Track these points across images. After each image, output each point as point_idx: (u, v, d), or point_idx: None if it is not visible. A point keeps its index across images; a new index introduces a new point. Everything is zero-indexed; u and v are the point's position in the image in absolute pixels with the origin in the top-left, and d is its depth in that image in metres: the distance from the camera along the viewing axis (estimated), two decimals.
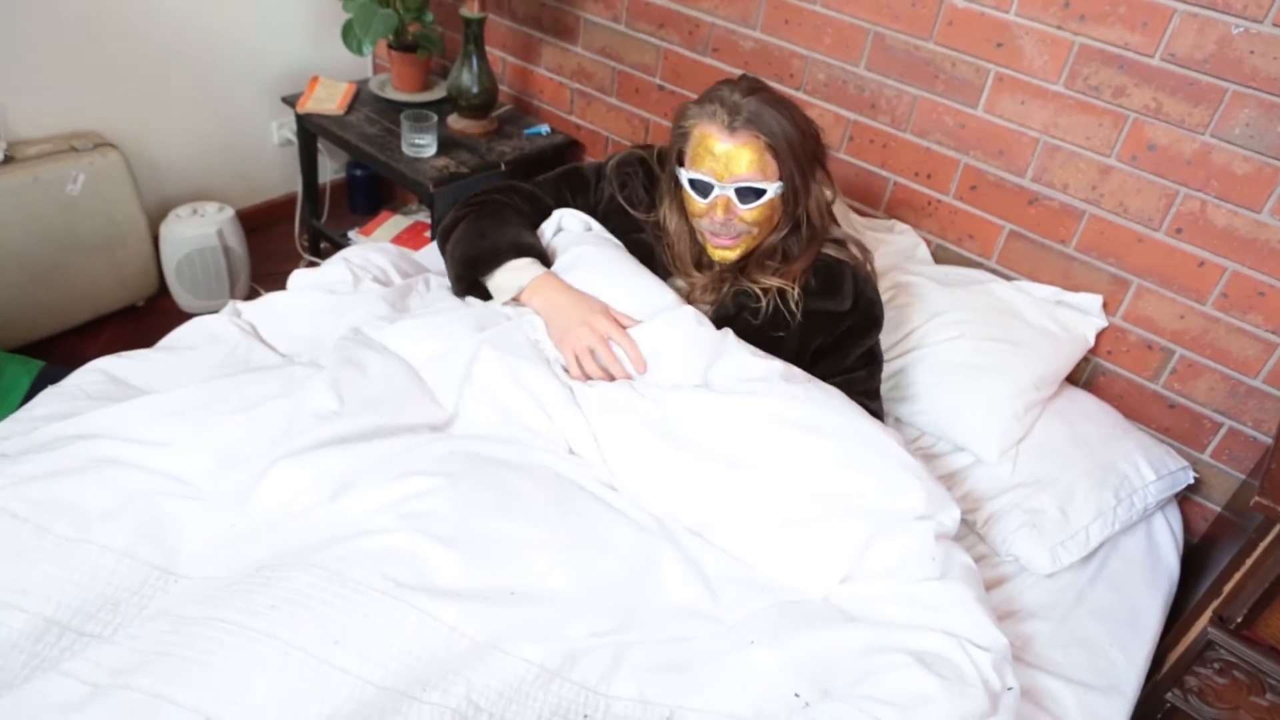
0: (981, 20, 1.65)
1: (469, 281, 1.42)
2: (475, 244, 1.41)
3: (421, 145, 2.16)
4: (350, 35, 2.27)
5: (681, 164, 1.34)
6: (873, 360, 1.46)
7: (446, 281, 1.52)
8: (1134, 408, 1.74)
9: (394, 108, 2.36)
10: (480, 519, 1.08)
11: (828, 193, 1.40)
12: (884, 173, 1.90)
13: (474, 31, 2.18)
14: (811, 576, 1.14)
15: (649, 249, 1.46)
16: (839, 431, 1.21)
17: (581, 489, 1.16)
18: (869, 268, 1.44)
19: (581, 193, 1.54)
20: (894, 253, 1.79)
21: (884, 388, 1.59)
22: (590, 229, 1.50)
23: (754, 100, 1.25)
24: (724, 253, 1.36)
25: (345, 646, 0.91)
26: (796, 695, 1.03)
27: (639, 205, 1.47)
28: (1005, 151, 1.72)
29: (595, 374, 1.30)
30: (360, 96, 2.42)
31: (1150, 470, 1.55)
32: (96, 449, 1.09)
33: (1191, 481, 1.63)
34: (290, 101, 2.38)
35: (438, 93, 2.44)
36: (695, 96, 1.33)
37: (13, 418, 1.21)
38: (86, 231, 2.17)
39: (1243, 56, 1.42)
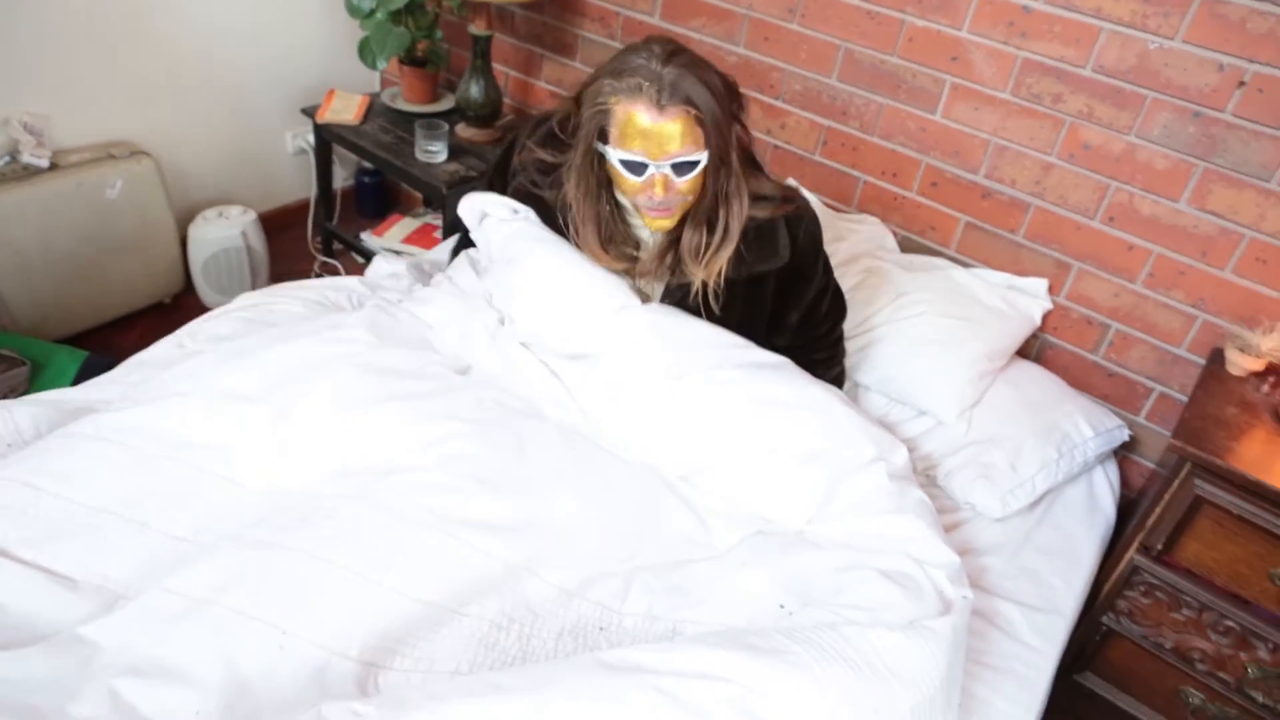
0: (938, 37, 1.88)
1: None
2: None
3: (434, 152, 2.35)
4: (366, 52, 2.47)
5: (604, 141, 1.31)
6: (824, 292, 1.53)
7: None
8: (1078, 377, 1.96)
9: (405, 118, 2.56)
10: (507, 461, 1.26)
11: (750, 181, 1.39)
12: (855, 173, 2.12)
13: (481, 48, 2.39)
14: (787, 511, 1.32)
15: (558, 225, 1.47)
16: (794, 401, 1.38)
17: (583, 437, 1.35)
18: (797, 204, 1.44)
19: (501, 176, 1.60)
20: (864, 242, 2.00)
21: (853, 360, 1.81)
22: (517, 212, 1.52)
23: (676, 69, 1.22)
24: (663, 222, 1.36)
25: (395, 570, 1.08)
26: (781, 606, 1.21)
27: (547, 173, 1.46)
28: (960, 152, 1.94)
29: None
30: (373, 108, 2.61)
31: (1089, 428, 1.77)
32: (170, 386, 1.30)
33: (1126, 439, 1.85)
34: (310, 113, 2.57)
35: (445, 103, 2.64)
36: (608, 61, 1.29)
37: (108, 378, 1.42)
38: (122, 233, 2.34)
39: (1159, 68, 1.65)
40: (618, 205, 1.43)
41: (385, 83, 2.96)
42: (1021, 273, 1.96)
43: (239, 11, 2.52)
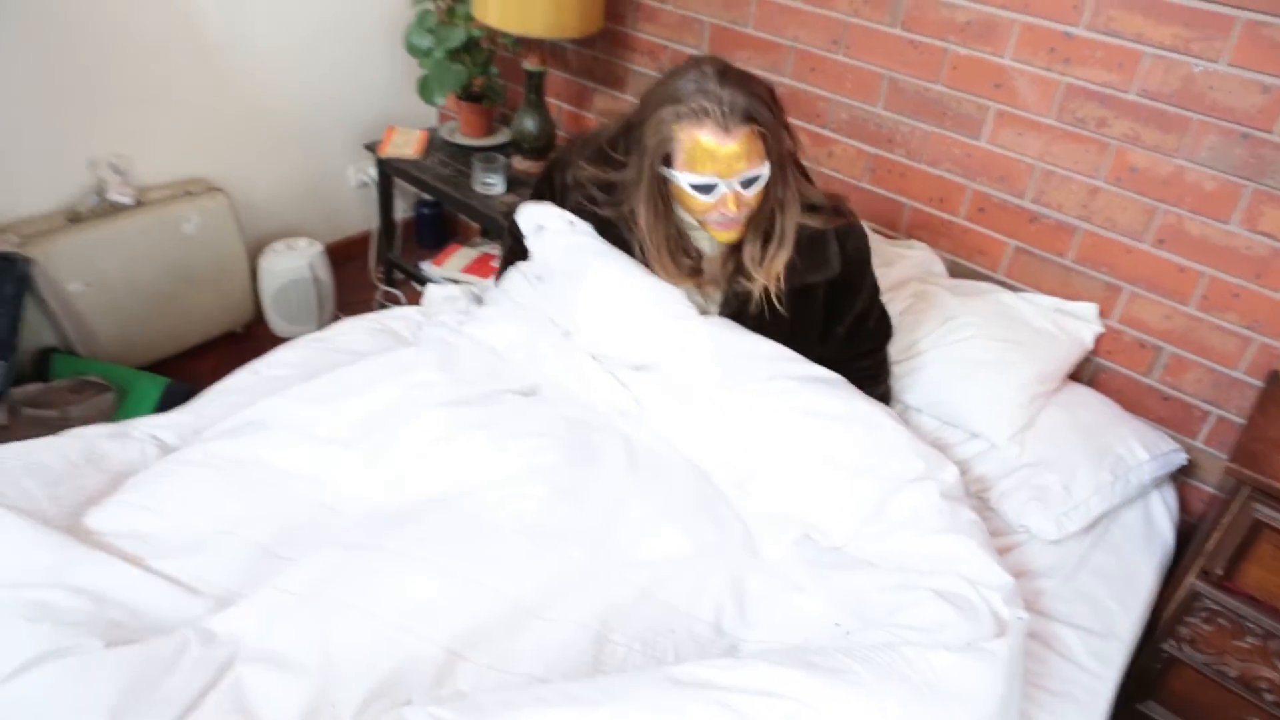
0: (981, 64, 1.91)
1: None
2: None
3: (491, 184, 2.44)
4: (425, 89, 2.58)
5: (669, 165, 1.36)
6: (872, 303, 1.60)
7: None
8: (1133, 401, 1.95)
9: (463, 151, 2.65)
10: (583, 472, 1.31)
11: (803, 189, 1.47)
12: (902, 199, 2.15)
13: (535, 83, 2.48)
14: (834, 521, 1.34)
15: (620, 239, 1.52)
16: (844, 414, 1.41)
17: (648, 447, 1.40)
18: (847, 218, 1.52)
19: (548, 194, 1.65)
20: (913, 267, 2.02)
21: (904, 382, 1.83)
22: (573, 224, 1.58)
23: (731, 89, 1.28)
24: (730, 235, 1.42)
25: (480, 566, 1.15)
26: (837, 625, 1.24)
27: (607, 190, 1.51)
28: (1006, 177, 1.96)
29: None
30: (432, 142, 2.71)
31: (1144, 451, 1.76)
32: (260, 418, 1.38)
33: (1184, 463, 1.84)
34: (372, 148, 2.68)
35: (500, 137, 2.74)
36: (658, 85, 1.37)
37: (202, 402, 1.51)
38: (198, 265, 2.47)
39: (1204, 91, 1.66)
40: (679, 218, 1.49)
41: (443, 118, 3.07)
42: (1072, 296, 1.96)
43: (305, 53, 2.65)
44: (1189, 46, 1.65)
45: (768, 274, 1.44)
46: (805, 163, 1.55)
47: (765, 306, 1.47)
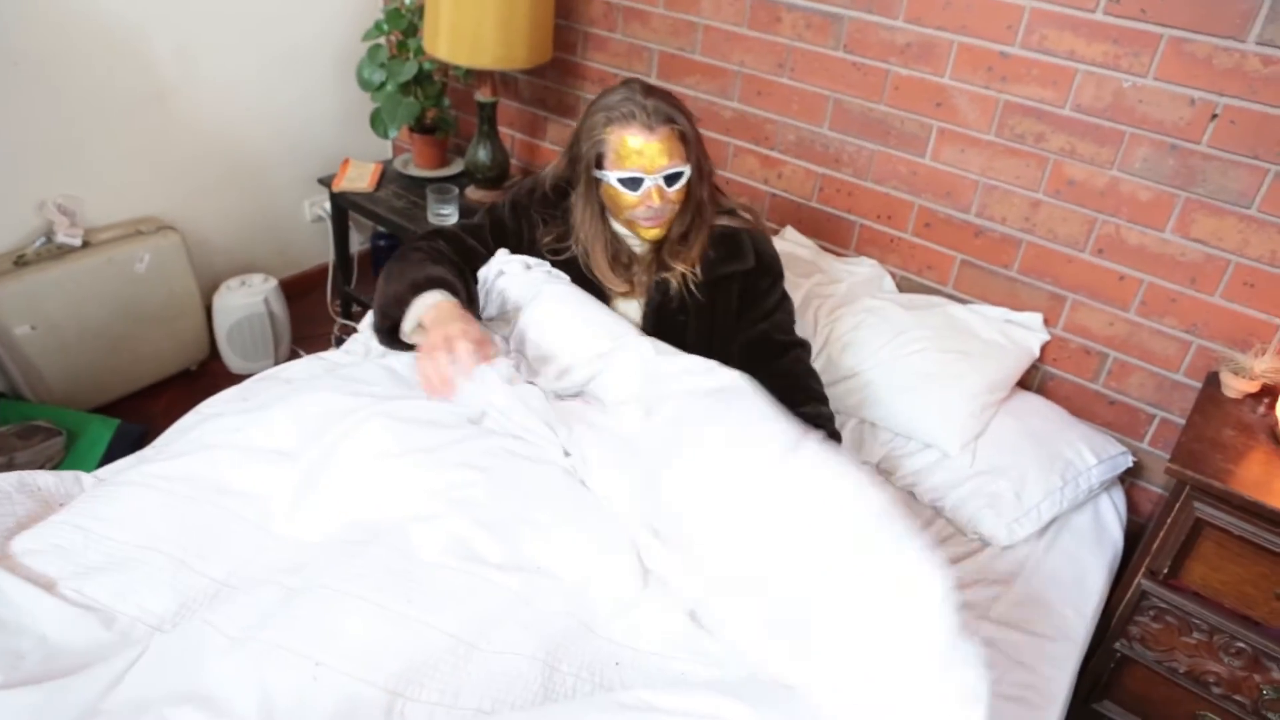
0: (922, 84, 1.96)
1: (392, 322, 1.48)
2: (393, 285, 1.49)
3: (445, 215, 2.45)
4: (378, 122, 2.59)
5: (601, 167, 1.49)
6: (785, 299, 1.67)
7: None
8: (1080, 406, 2.00)
9: (417, 183, 2.66)
10: (511, 506, 1.29)
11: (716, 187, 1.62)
12: (851, 217, 2.19)
13: (487, 114, 2.50)
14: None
15: (583, 276, 1.59)
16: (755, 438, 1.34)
17: (578, 484, 1.37)
18: (761, 227, 1.65)
19: (504, 237, 1.64)
20: (862, 283, 2.06)
21: (858, 396, 1.86)
22: (530, 268, 1.60)
23: (655, 99, 1.45)
24: (654, 231, 1.53)
25: (416, 603, 1.13)
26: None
27: (563, 239, 1.59)
28: (951, 193, 2.01)
29: (430, 375, 1.35)
30: (386, 175, 2.72)
31: (1092, 455, 1.80)
32: (203, 439, 1.38)
33: (1130, 465, 1.88)
34: (326, 182, 2.68)
35: (455, 168, 2.75)
36: (592, 103, 1.51)
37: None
38: (150, 304, 2.44)
39: (1134, 105, 1.72)
40: (613, 229, 1.60)
41: (397, 150, 3.08)
42: (1018, 307, 2.01)
43: (256, 89, 2.65)
44: (1118, 62, 1.71)
45: (686, 260, 1.57)
46: (756, 184, 1.60)
47: (686, 295, 1.58)
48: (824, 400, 1.62)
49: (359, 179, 2.65)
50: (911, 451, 1.83)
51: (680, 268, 1.57)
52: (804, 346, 1.67)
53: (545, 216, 1.62)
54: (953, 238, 2.05)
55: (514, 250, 1.64)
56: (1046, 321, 1.98)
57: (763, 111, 2.23)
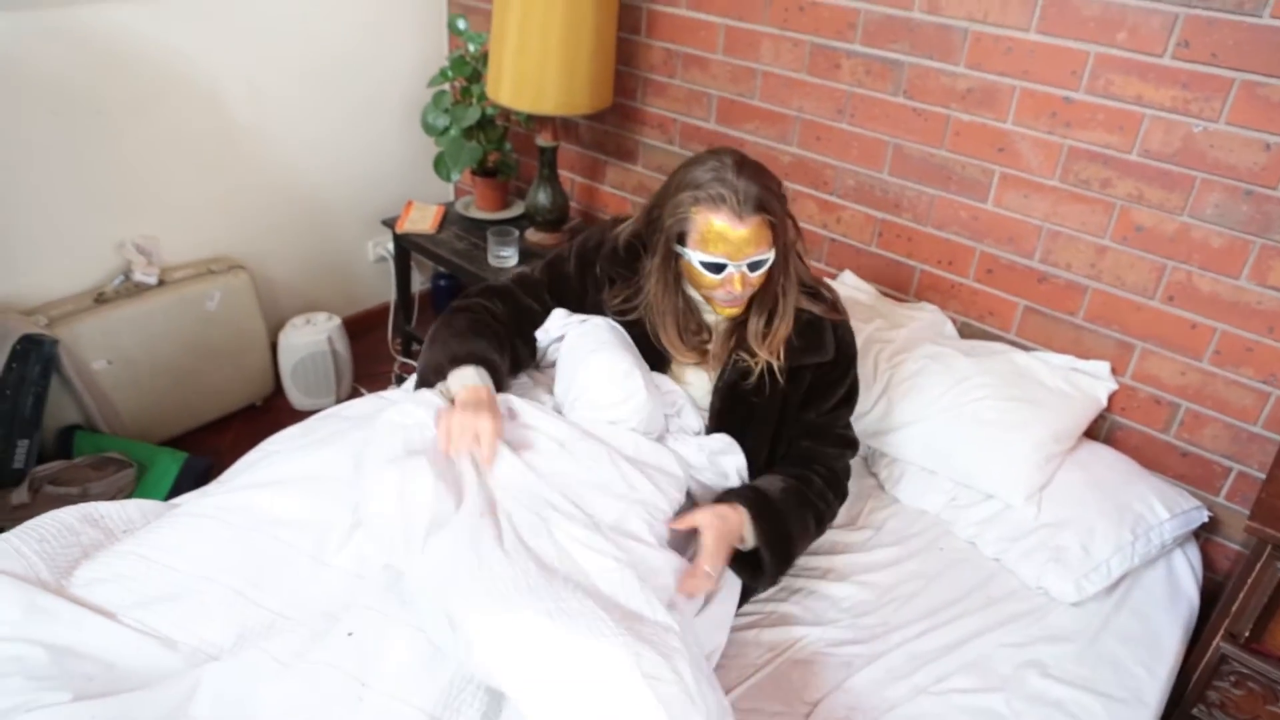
0: (983, 130, 1.94)
1: (429, 385, 1.48)
2: (435, 353, 1.49)
3: (505, 256, 2.49)
4: (441, 166, 2.65)
5: (683, 244, 1.43)
6: (851, 397, 1.63)
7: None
8: (1150, 458, 1.93)
9: (478, 225, 2.71)
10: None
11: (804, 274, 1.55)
12: (911, 262, 2.17)
13: (548, 158, 2.54)
14: None
15: (647, 339, 1.54)
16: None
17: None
18: (841, 311, 1.59)
19: (565, 294, 1.62)
20: (923, 329, 2.03)
21: (919, 445, 1.83)
22: (584, 320, 1.56)
23: (747, 180, 1.37)
24: (734, 310, 1.49)
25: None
26: None
27: (631, 300, 1.55)
28: (1014, 238, 1.98)
29: (449, 438, 1.33)
30: (448, 217, 2.78)
31: (1164, 510, 1.73)
32: (262, 475, 1.42)
33: (1206, 520, 1.81)
34: (389, 224, 2.74)
35: (515, 210, 2.80)
36: (678, 171, 1.44)
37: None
38: (219, 341, 2.52)
39: (1205, 150, 1.68)
40: (689, 296, 1.55)
41: (459, 192, 3.14)
42: (1084, 354, 1.96)
43: (323, 134, 2.74)
44: (1188, 107, 1.68)
45: (770, 348, 1.51)
46: (814, 228, 1.58)
47: (766, 380, 1.52)
48: (820, 515, 1.55)
49: (421, 221, 2.71)
50: (973, 502, 1.79)
51: (764, 355, 1.50)
52: (853, 446, 1.64)
53: (614, 275, 1.57)
54: (1016, 284, 2.02)
55: (574, 308, 1.60)
56: (1114, 370, 1.93)
57: (822, 156, 2.24)
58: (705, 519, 1.39)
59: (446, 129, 2.65)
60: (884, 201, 2.16)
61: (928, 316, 2.09)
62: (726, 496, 1.48)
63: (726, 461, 1.54)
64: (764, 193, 1.38)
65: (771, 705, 1.32)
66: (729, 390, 1.54)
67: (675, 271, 1.50)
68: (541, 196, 2.58)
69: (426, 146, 2.86)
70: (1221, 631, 1.54)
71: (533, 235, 2.64)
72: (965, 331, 2.12)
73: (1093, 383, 1.92)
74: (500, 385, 1.47)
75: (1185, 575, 1.74)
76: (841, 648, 1.44)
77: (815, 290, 1.57)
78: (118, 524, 1.40)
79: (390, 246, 2.89)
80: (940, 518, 1.80)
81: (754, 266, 1.42)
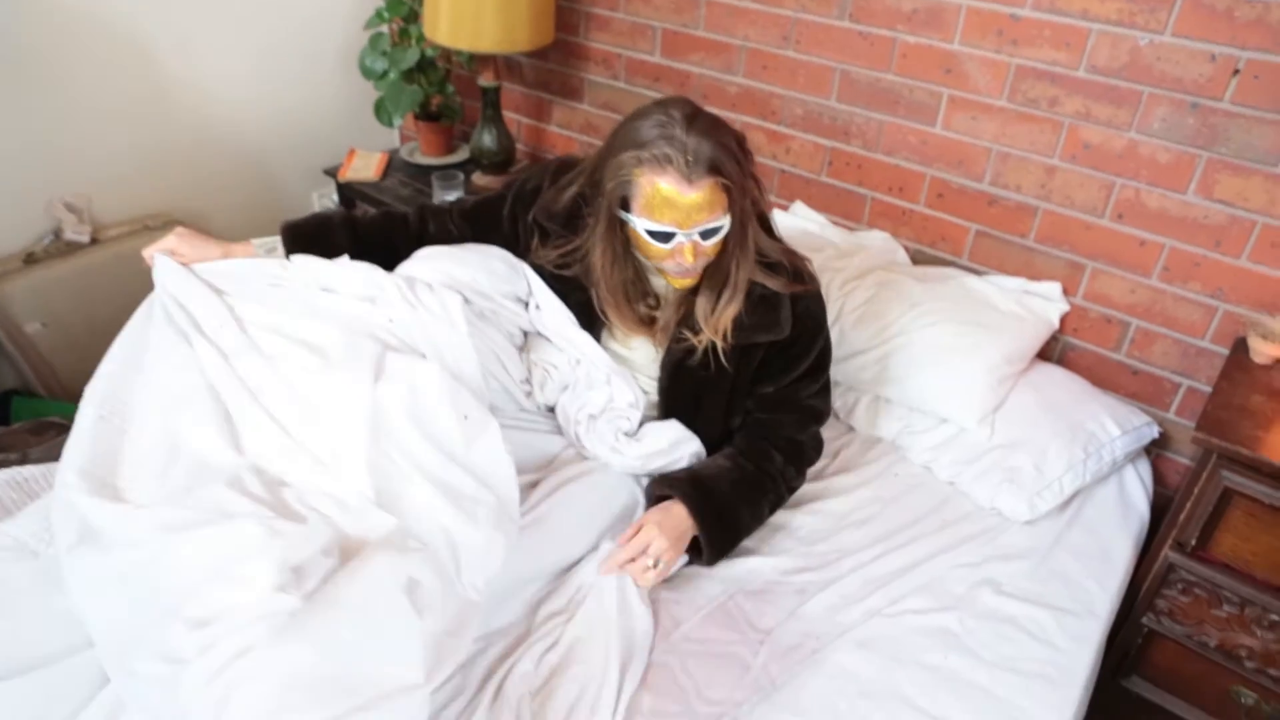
0: (930, 51, 1.91)
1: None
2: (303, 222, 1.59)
3: (450, 201, 2.42)
4: (382, 111, 2.57)
5: (626, 209, 1.30)
6: (817, 370, 1.51)
7: None
8: (1102, 377, 1.94)
9: (423, 171, 2.64)
10: None
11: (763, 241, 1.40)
12: (862, 190, 2.14)
13: (491, 99, 2.47)
14: None
15: (588, 304, 1.46)
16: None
17: None
18: (806, 284, 1.45)
19: (489, 234, 1.54)
20: (874, 257, 2.01)
21: (872, 371, 1.82)
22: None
23: (698, 137, 1.21)
24: (686, 281, 1.37)
25: None
26: None
27: (570, 256, 1.44)
28: (963, 162, 1.96)
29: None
30: (392, 163, 2.70)
31: (1116, 427, 1.75)
32: None
33: (1156, 435, 1.82)
34: (332, 173, 2.67)
35: (461, 154, 2.73)
36: (622, 126, 1.30)
37: None
38: None
39: (1151, 64, 1.66)
40: (638, 262, 1.43)
41: (404, 138, 3.06)
42: (1035, 277, 1.95)
43: (258, 83, 2.63)
44: (1133, 19, 1.65)
45: (714, 327, 1.38)
46: (764, 160, 1.51)
47: (711, 360, 1.42)
48: (785, 491, 1.51)
49: (365, 169, 2.64)
50: (927, 428, 1.79)
51: (708, 334, 1.39)
52: (819, 417, 1.55)
53: (548, 229, 1.46)
54: (966, 208, 2.00)
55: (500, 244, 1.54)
56: (1065, 291, 1.93)
57: (768, 86, 2.19)
58: (651, 516, 1.38)
59: (385, 73, 2.56)
60: (833, 129, 2.12)
61: (879, 244, 2.07)
62: (665, 485, 1.43)
63: (683, 450, 1.50)
64: (718, 151, 1.22)
65: (724, 635, 1.32)
66: (675, 368, 1.47)
67: (623, 239, 1.36)
68: (486, 139, 2.51)
69: (367, 92, 2.76)
70: (1170, 541, 1.56)
71: (479, 179, 2.58)
72: (917, 258, 2.10)
73: (1044, 304, 1.91)
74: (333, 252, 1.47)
75: (1136, 490, 1.76)
76: (795, 575, 1.44)
77: (776, 262, 1.41)
78: (43, 487, 1.36)
79: (335, 197, 2.82)
80: (895, 444, 1.80)
81: (707, 235, 1.27)
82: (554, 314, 1.49)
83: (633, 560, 1.34)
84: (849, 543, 1.52)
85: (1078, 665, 1.35)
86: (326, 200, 2.93)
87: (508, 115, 2.74)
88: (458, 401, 1.25)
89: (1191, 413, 1.87)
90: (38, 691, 1.04)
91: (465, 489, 1.19)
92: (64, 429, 2.04)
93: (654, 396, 1.55)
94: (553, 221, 1.45)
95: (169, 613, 0.98)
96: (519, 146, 2.76)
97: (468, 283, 1.43)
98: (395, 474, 1.18)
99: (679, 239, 1.27)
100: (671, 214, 1.24)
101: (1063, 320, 1.94)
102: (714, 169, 1.22)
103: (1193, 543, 1.52)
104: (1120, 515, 1.69)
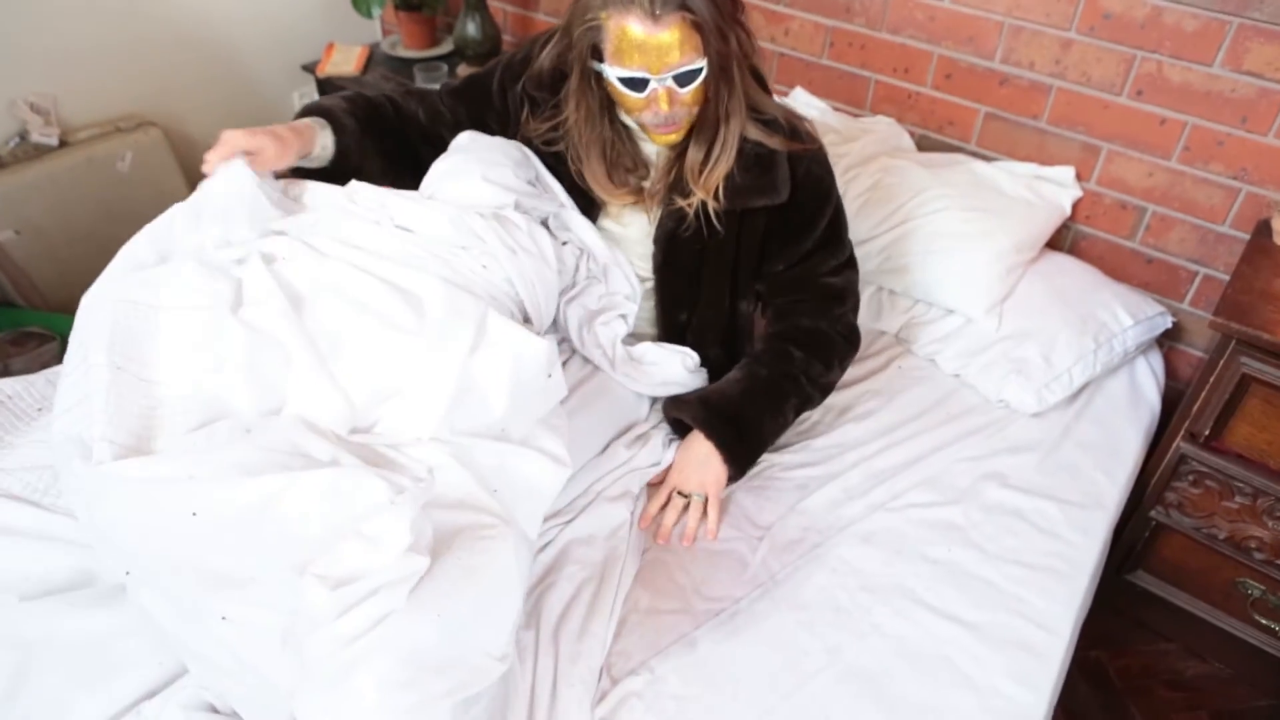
0: None
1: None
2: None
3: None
4: (360, 1, 2.43)
5: (599, 59, 1.22)
6: (831, 241, 1.41)
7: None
8: (1115, 266, 1.86)
9: (406, 64, 2.52)
10: None
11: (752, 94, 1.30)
12: (865, 73, 2.03)
13: None
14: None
15: (573, 178, 1.39)
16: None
17: None
18: (805, 142, 1.34)
19: (481, 111, 1.47)
20: (879, 143, 1.91)
21: (875, 261, 1.75)
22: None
23: None
24: (670, 137, 1.28)
25: None
26: None
27: (557, 129, 1.37)
28: (973, 38, 1.84)
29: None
30: (374, 58, 2.57)
31: (1128, 316, 1.68)
32: None
33: (1170, 325, 1.76)
34: (310, 68, 2.54)
35: (445, 47, 2.60)
36: None
37: None
38: (138, 204, 2.35)
39: None
40: (623, 125, 1.35)
41: (385, 31, 2.91)
42: (1047, 161, 1.86)
43: None
44: None
45: (705, 186, 1.29)
46: (762, 43, 1.38)
47: (705, 228, 1.33)
48: (812, 389, 1.40)
49: (345, 63, 2.51)
50: (933, 319, 1.73)
51: (699, 194, 1.30)
52: (840, 297, 1.43)
53: (536, 97, 1.37)
54: (976, 89, 1.89)
55: (494, 130, 1.44)
56: (1079, 176, 1.84)
57: None
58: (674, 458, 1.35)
59: None
60: (834, 6, 1.99)
61: (883, 129, 1.96)
62: (674, 409, 1.36)
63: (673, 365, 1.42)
64: None
65: (723, 531, 1.29)
66: (668, 240, 1.37)
67: (601, 96, 1.28)
68: (470, 28, 2.38)
69: None
70: (1182, 432, 1.52)
71: (464, 70, 2.46)
72: (923, 144, 2.00)
73: (1056, 190, 1.82)
74: (344, 136, 1.36)
75: (1147, 381, 1.71)
76: (796, 471, 1.40)
77: (771, 119, 1.31)
78: (29, 403, 1.31)
79: (316, 94, 2.69)
80: (899, 336, 1.74)
81: (682, 81, 1.18)
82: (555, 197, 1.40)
83: (664, 507, 1.30)
84: (851, 437, 1.48)
85: (1085, 558, 1.32)
86: (307, 99, 2.81)
87: (493, 4, 2.59)
88: (553, 361, 1.15)
89: (1207, 302, 1.80)
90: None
91: (528, 440, 1.12)
92: (45, 339, 2.00)
93: (650, 283, 1.46)
94: (540, 90, 1.36)
95: (293, 567, 0.89)
96: (505, 37, 2.62)
97: (516, 187, 1.34)
98: (466, 437, 1.08)
99: (653, 85, 1.18)
100: (641, 58, 1.16)
101: (1075, 207, 1.85)
102: (682, 5, 1.13)
103: (1206, 433, 1.48)
104: (1130, 407, 1.64)
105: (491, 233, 1.26)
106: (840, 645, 1.14)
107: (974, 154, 1.94)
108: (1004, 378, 1.59)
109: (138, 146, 2.31)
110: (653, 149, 1.37)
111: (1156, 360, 1.78)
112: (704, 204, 1.31)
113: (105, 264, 2.38)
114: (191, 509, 0.90)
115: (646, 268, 1.44)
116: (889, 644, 1.15)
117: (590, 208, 1.41)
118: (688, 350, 1.44)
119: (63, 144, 2.22)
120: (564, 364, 1.40)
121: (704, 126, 1.28)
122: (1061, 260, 1.82)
